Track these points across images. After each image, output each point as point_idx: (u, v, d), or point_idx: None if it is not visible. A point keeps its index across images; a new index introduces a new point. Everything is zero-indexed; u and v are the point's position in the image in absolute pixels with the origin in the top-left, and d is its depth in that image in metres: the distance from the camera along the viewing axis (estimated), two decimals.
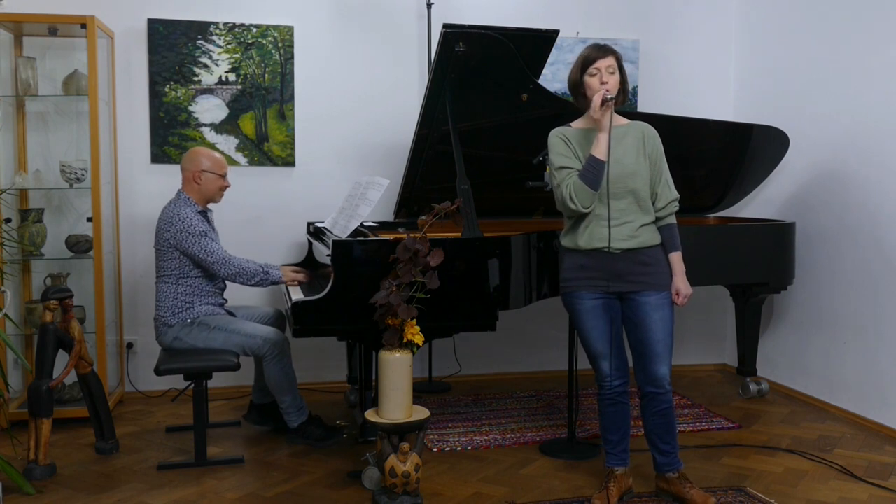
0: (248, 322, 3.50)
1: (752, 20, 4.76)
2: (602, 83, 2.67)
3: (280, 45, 4.37)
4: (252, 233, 4.36)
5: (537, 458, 3.38)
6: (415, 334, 2.85)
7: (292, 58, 4.39)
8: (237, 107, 4.35)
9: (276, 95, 4.38)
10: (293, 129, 4.42)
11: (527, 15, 4.56)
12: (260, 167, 4.41)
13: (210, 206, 3.62)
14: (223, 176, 3.55)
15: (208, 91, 4.31)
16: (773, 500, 2.89)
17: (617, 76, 2.70)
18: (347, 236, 3.26)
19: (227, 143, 4.35)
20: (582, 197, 2.67)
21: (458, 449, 3.48)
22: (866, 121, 3.84)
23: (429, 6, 4.40)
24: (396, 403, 2.83)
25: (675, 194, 2.83)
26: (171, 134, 4.28)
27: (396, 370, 2.83)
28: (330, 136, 4.47)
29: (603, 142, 2.66)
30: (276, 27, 4.35)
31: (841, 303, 4.02)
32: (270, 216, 4.42)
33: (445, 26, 3.22)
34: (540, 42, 3.43)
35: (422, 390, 4.35)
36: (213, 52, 4.29)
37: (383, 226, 4.14)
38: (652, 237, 2.78)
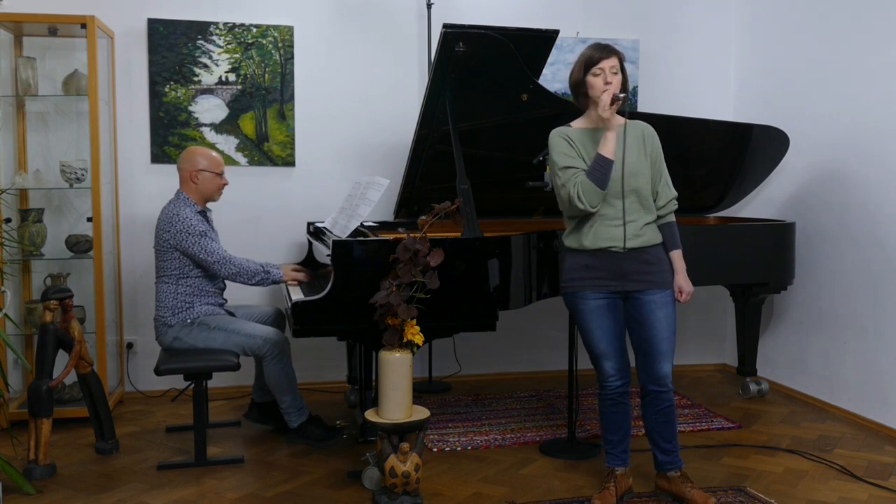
0: (247, 322, 3.50)
1: (752, 20, 4.76)
2: (606, 83, 2.67)
3: (280, 45, 4.37)
4: (252, 233, 4.36)
5: (537, 458, 3.38)
6: (415, 334, 2.85)
7: (292, 58, 4.39)
8: (237, 107, 4.35)
9: (276, 95, 4.38)
10: (293, 129, 4.42)
11: (527, 15, 4.56)
12: (260, 167, 4.41)
13: (209, 205, 3.62)
14: (220, 174, 3.55)
15: (208, 91, 4.31)
16: (773, 500, 2.89)
17: (619, 76, 2.71)
18: (347, 236, 3.26)
19: (227, 143, 4.35)
20: (590, 196, 2.67)
21: (458, 449, 3.48)
22: (866, 121, 3.84)
23: (429, 6, 4.40)
24: (396, 403, 2.83)
25: (674, 192, 2.86)
26: (171, 134, 4.28)
27: (396, 370, 2.83)
28: (330, 136, 4.47)
29: (611, 141, 2.66)
30: (276, 27, 4.35)
31: (841, 303, 4.02)
32: (270, 216, 4.42)
33: (445, 26, 3.22)
34: (540, 42, 3.43)
35: (422, 390, 4.35)
36: (213, 52, 4.29)
37: (383, 226, 4.14)
38: (655, 236, 2.80)
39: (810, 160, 4.24)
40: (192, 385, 3.29)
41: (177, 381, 4.19)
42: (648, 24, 4.80)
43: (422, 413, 2.90)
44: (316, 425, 3.48)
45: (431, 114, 3.56)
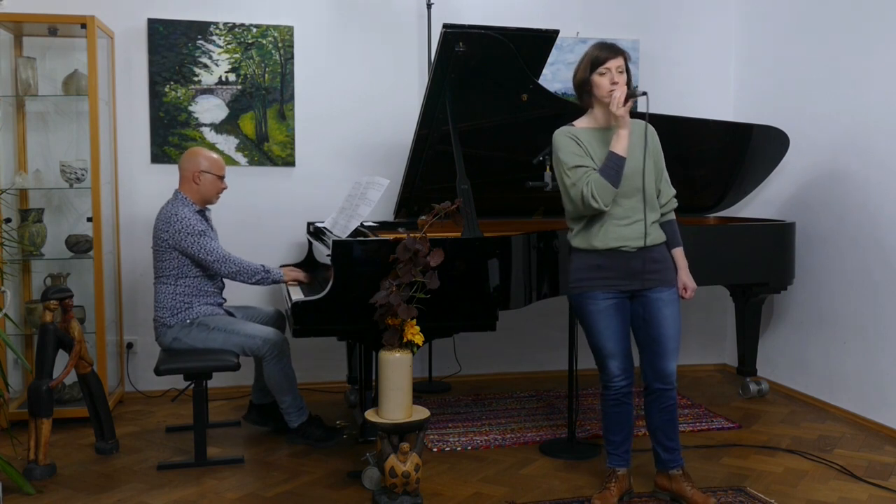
0: (247, 322, 3.50)
1: (752, 20, 4.76)
2: (613, 83, 2.67)
3: (280, 45, 4.37)
4: (252, 233, 4.36)
5: (537, 458, 3.38)
6: (415, 334, 2.85)
7: (292, 58, 4.39)
8: (237, 107, 4.35)
9: (276, 95, 4.38)
10: (293, 129, 4.42)
11: (527, 15, 4.56)
12: (260, 167, 4.41)
13: (207, 206, 3.62)
14: (222, 178, 3.55)
15: (208, 91, 4.31)
16: (773, 500, 2.89)
17: (625, 76, 2.71)
18: (347, 236, 3.26)
19: (227, 143, 4.35)
20: (605, 195, 2.66)
21: (458, 449, 3.48)
22: (866, 121, 3.84)
23: (429, 6, 4.40)
24: (396, 403, 2.83)
25: (674, 190, 2.88)
26: (171, 134, 4.28)
27: (396, 370, 2.83)
28: (330, 136, 4.47)
29: (624, 138, 2.66)
30: (276, 27, 4.35)
31: (841, 303, 4.02)
32: (270, 216, 4.42)
33: (445, 26, 3.22)
34: (540, 42, 3.43)
35: (422, 390, 4.35)
36: (213, 52, 4.29)
37: (383, 226, 4.14)
38: (660, 234, 2.81)
39: (810, 160, 4.24)
40: (192, 385, 3.29)
41: (177, 381, 4.19)
42: (648, 24, 4.80)
43: (422, 413, 2.90)
44: (316, 425, 3.48)
45: (431, 114, 3.56)
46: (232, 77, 4.32)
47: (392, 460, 2.78)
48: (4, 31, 3.92)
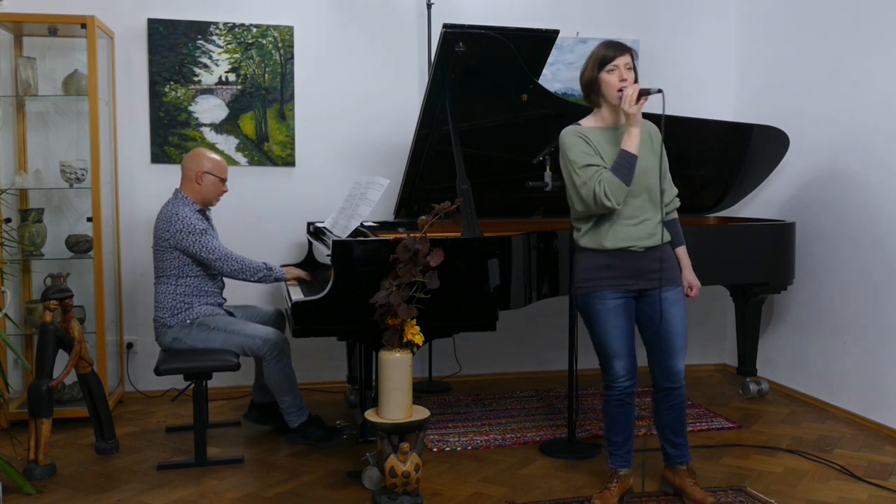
0: (247, 322, 3.50)
1: (752, 20, 4.76)
2: (622, 80, 2.67)
3: (280, 45, 4.37)
4: (252, 233, 4.36)
5: (537, 458, 3.38)
6: (415, 334, 2.85)
7: (292, 58, 4.39)
8: (237, 107, 4.35)
9: (276, 95, 4.38)
10: (293, 129, 4.42)
11: (527, 15, 4.57)
12: (260, 167, 4.41)
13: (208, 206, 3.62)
14: (224, 180, 3.55)
15: (208, 91, 4.31)
16: (773, 500, 2.89)
17: (633, 73, 2.71)
18: (347, 236, 3.26)
19: (227, 143, 4.35)
20: (617, 193, 2.65)
21: (458, 449, 3.48)
22: (866, 121, 3.84)
23: (429, 6, 4.40)
24: (396, 403, 2.83)
25: (676, 189, 2.89)
26: (171, 134, 4.28)
27: (396, 370, 2.83)
28: (330, 136, 4.47)
29: (636, 137, 2.65)
30: (276, 27, 4.35)
31: (841, 303, 4.02)
32: (270, 216, 4.42)
33: (445, 26, 3.22)
34: (540, 42, 3.43)
35: (422, 390, 4.35)
36: (213, 52, 4.29)
37: (383, 226, 4.14)
38: (665, 234, 2.80)
39: (810, 160, 4.24)
40: (192, 385, 3.29)
41: (177, 381, 4.19)
42: (648, 24, 4.80)
43: (422, 413, 2.90)
44: (316, 425, 3.48)
45: (431, 114, 3.56)
46: (232, 77, 4.32)
47: (392, 460, 2.78)
48: (4, 31, 3.92)
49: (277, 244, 4.42)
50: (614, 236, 2.73)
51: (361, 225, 3.88)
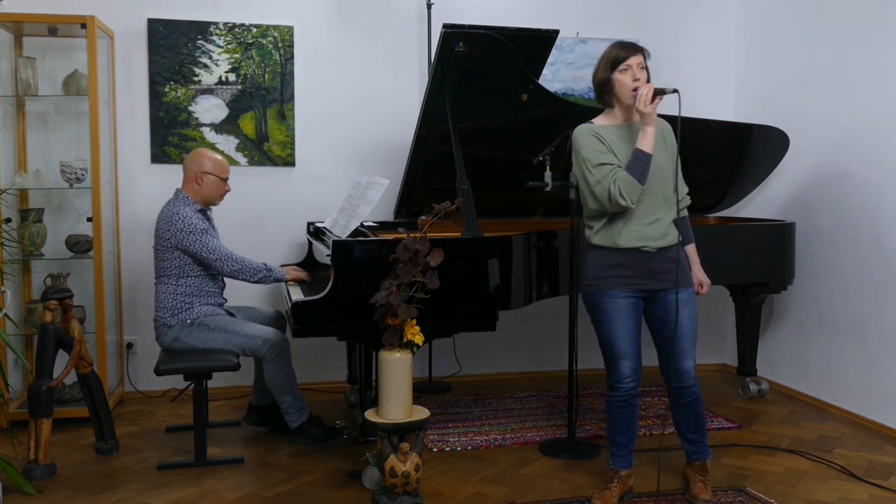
0: (247, 322, 3.49)
1: (752, 20, 4.76)
2: (635, 80, 2.67)
3: (280, 45, 4.37)
4: (252, 233, 4.36)
5: (537, 458, 3.38)
6: (415, 334, 2.85)
7: (292, 58, 4.39)
8: (237, 107, 4.35)
9: (276, 95, 4.38)
10: (293, 129, 4.42)
11: (527, 15, 4.56)
12: (260, 167, 4.41)
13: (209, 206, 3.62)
14: (225, 180, 3.55)
15: (208, 91, 4.31)
16: (773, 500, 2.89)
17: (646, 73, 2.71)
18: (347, 236, 3.26)
19: (227, 143, 4.35)
20: (632, 192, 2.64)
21: (458, 449, 3.48)
22: (866, 121, 3.84)
23: (429, 6, 4.40)
24: (396, 403, 2.83)
25: (687, 188, 2.90)
26: (171, 134, 4.28)
27: (396, 370, 2.83)
28: (330, 136, 4.47)
29: (650, 136, 2.65)
30: (276, 27, 4.35)
31: (841, 303, 4.02)
32: (270, 216, 4.42)
33: (445, 26, 3.23)
34: (540, 42, 3.43)
35: (422, 390, 4.35)
36: (213, 52, 4.29)
37: (383, 226, 4.15)
38: (676, 233, 2.80)
39: (810, 160, 4.24)
40: (192, 385, 3.29)
41: (177, 381, 4.19)
42: (648, 24, 4.80)
43: (422, 413, 2.90)
44: (316, 425, 3.48)
45: (431, 114, 3.56)
46: (232, 77, 4.32)
47: (392, 460, 2.78)
48: (4, 31, 3.92)
49: (277, 244, 4.42)
50: (628, 235, 2.72)
51: (361, 225, 3.88)
